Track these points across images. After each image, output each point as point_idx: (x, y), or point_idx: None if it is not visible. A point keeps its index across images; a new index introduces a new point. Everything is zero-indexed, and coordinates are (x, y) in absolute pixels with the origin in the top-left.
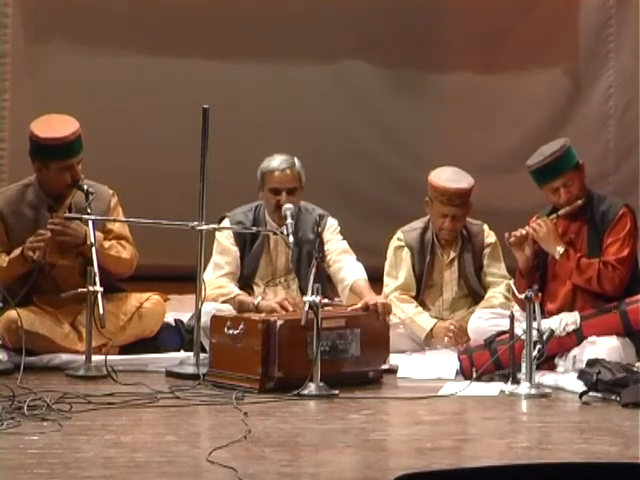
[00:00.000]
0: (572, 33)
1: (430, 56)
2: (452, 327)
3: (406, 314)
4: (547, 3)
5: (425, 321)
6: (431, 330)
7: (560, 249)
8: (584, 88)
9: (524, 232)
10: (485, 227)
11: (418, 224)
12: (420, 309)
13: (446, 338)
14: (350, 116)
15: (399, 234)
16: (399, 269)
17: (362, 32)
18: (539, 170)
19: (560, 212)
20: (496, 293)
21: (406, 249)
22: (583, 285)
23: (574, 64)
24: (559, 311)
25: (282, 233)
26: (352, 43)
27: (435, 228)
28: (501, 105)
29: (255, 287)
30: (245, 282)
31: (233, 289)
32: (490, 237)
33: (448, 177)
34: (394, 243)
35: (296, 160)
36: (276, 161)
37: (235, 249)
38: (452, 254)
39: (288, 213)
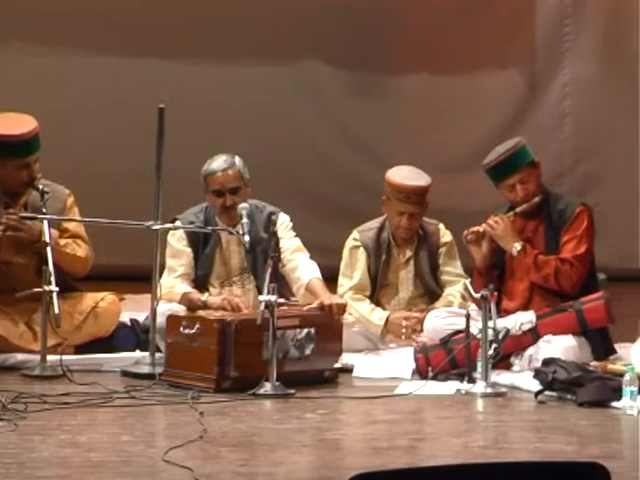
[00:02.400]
0: (528, 32)
1: (386, 57)
2: (408, 316)
3: (360, 313)
4: (503, 3)
5: (378, 316)
6: (385, 325)
7: (518, 246)
8: (540, 87)
9: (481, 229)
10: (441, 226)
11: (374, 224)
12: (373, 306)
13: (403, 326)
14: (309, 116)
15: (355, 234)
16: (354, 269)
17: (318, 33)
18: (494, 168)
19: (517, 209)
20: (453, 292)
21: (362, 249)
22: (540, 282)
23: (530, 63)
24: (517, 309)
25: (238, 233)
26: (309, 44)
27: (392, 227)
28: (458, 105)
29: (211, 287)
30: (201, 282)
31: (182, 288)
32: (446, 236)
33: (405, 175)
34: (349, 243)
35: (237, 159)
36: (216, 162)
37: (188, 250)
38: (408, 253)
39: (244, 212)
